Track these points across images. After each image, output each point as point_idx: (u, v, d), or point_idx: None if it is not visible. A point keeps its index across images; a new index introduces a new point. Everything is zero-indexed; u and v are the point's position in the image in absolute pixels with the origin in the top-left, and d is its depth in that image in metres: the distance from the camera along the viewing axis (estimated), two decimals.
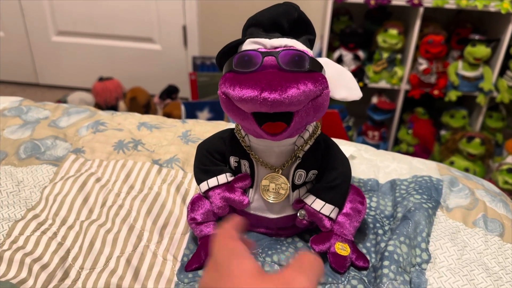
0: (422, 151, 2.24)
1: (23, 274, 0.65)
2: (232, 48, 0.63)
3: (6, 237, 0.71)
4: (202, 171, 0.71)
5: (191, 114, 2.25)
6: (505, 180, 1.94)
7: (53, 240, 0.71)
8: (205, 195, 0.70)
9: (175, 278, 0.66)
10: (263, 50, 0.60)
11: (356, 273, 0.67)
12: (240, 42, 0.63)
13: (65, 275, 0.66)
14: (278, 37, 0.61)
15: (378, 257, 0.68)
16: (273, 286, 0.38)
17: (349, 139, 2.18)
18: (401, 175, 0.87)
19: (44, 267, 0.66)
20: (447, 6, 1.97)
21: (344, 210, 0.69)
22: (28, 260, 0.66)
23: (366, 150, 0.96)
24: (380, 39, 2.13)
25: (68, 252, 0.70)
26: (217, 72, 2.37)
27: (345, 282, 0.65)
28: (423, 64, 2.10)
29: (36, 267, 0.66)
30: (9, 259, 0.66)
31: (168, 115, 2.25)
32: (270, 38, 0.61)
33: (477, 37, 2.05)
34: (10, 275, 0.64)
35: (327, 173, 0.68)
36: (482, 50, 2.01)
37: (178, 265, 0.69)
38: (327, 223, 0.68)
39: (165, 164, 0.87)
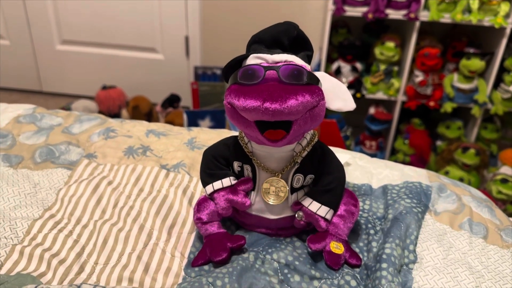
0: (418, 161, 2.28)
1: (43, 268, 0.70)
2: (237, 63, 0.69)
3: (25, 234, 0.77)
4: (208, 175, 0.76)
5: (193, 122, 2.29)
6: (499, 190, 1.98)
7: (69, 237, 0.76)
8: (211, 197, 0.76)
9: (183, 273, 0.72)
10: (265, 64, 0.65)
11: (349, 270, 0.72)
12: (245, 57, 0.69)
13: (81, 269, 0.71)
14: (279, 53, 0.67)
15: (370, 256, 0.74)
16: None
17: (347, 148, 2.23)
18: (393, 181, 0.92)
19: (61, 261, 0.72)
20: (443, 20, 2.02)
21: (338, 212, 0.74)
22: (47, 256, 0.72)
23: (361, 158, 1.02)
24: (377, 51, 2.18)
25: (83, 248, 0.75)
26: (218, 82, 2.41)
27: (339, 277, 0.71)
28: (419, 76, 2.15)
29: (54, 262, 0.71)
30: (29, 254, 0.72)
31: (170, 123, 2.29)
32: (271, 54, 0.66)
33: (472, 50, 2.09)
34: (31, 269, 0.70)
35: (323, 178, 0.74)
36: (476, 63, 2.05)
37: (185, 261, 0.74)
38: (323, 223, 0.73)
39: (172, 168, 0.92)
